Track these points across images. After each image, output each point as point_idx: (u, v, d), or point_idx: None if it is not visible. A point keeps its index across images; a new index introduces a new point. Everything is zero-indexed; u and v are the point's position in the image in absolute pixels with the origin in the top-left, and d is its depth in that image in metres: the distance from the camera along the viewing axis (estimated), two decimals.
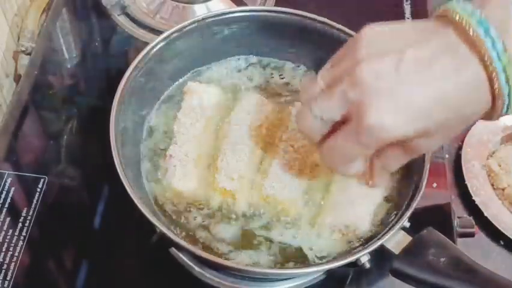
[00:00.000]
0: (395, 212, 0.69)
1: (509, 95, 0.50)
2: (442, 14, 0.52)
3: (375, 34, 0.54)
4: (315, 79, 0.58)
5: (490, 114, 0.53)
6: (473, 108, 0.52)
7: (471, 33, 0.48)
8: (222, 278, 0.76)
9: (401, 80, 0.50)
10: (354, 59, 0.53)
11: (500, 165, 1.05)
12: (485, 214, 0.99)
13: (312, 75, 0.84)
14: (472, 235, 0.85)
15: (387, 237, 0.65)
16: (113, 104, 0.72)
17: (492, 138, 1.08)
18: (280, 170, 0.74)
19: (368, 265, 0.66)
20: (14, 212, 0.80)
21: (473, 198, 1.00)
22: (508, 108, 0.51)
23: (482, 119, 0.55)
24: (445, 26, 0.51)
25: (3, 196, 0.82)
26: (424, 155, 0.71)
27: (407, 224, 0.68)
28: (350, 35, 0.80)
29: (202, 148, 0.76)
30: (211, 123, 0.79)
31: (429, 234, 0.66)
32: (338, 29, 0.81)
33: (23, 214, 0.80)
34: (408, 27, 0.56)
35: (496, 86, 0.49)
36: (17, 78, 1.02)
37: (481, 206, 0.99)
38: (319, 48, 0.84)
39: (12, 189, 0.82)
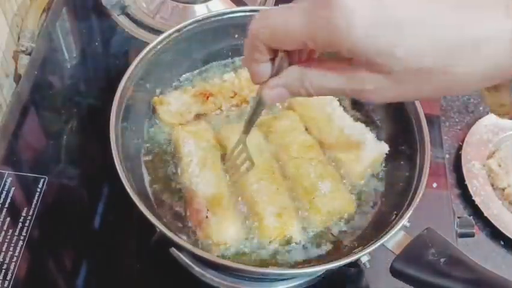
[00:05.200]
0: (395, 212, 0.69)
1: None
2: None
3: None
4: None
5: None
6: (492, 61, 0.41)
7: None
8: (222, 278, 0.76)
9: None
10: None
11: (500, 165, 1.05)
12: (485, 214, 0.99)
13: None
14: (472, 235, 0.85)
15: (387, 237, 0.65)
16: (113, 104, 0.72)
17: (492, 138, 1.08)
18: (321, 182, 0.74)
19: (368, 265, 0.66)
20: (14, 212, 0.80)
21: (473, 198, 1.01)
22: None
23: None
24: None
25: (3, 196, 0.82)
26: (424, 154, 0.71)
27: (407, 224, 0.68)
28: None
29: (221, 189, 0.74)
30: (217, 160, 0.77)
31: (429, 234, 0.66)
32: None
33: (23, 214, 0.80)
34: None
35: None
36: (17, 78, 1.02)
37: (481, 206, 1.00)
38: None
39: (12, 189, 0.82)
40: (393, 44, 0.40)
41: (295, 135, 0.78)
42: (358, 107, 0.84)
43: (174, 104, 0.80)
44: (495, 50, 0.40)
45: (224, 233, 0.70)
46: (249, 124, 0.60)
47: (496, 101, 0.47)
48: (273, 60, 0.48)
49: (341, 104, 0.82)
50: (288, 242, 0.71)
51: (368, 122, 0.82)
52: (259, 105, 0.54)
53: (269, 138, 0.79)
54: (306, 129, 0.81)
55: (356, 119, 0.82)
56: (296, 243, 0.71)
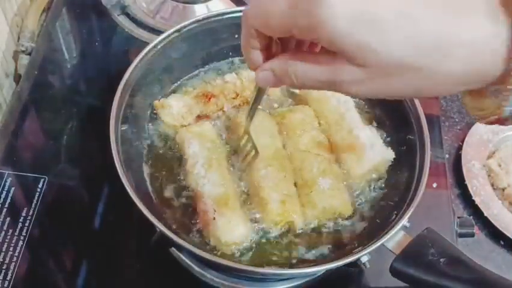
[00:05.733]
0: (395, 212, 0.69)
1: None
2: None
3: None
4: None
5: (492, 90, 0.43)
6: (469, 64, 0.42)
7: None
8: (222, 278, 0.76)
9: None
10: None
11: (500, 165, 1.05)
12: (485, 214, 0.99)
13: None
14: (472, 235, 0.85)
15: (387, 237, 0.65)
16: (113, 104, 0.72)
17: (492, 138, 1.08)
18: (322, 178, 0.74)
19: (368, 265, 0.66)
20: (14, 212, 0.80)
21: (473, 198, 1.00)
22: None
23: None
24: None
25: (3, 196, 0.82)
26: (424, 154, 0.71)
27: (407, 224, 0.68)
28: None
29: (228, 188, 0.74)
30: (222, 160, 0.77)
31: (429, 234, 0.66)
32: None
33: (23, 214, 0.80)
34: None
35: None
36: (17, 78, 1.02)
37: (481, 206, 1.00)
38: None
39: (12, 189, 0.82)
40: (369, 39, 0.41)
41: (307, 129, 0.79)
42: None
43: (175, 106, 0.80)
44: (472, 54, 0.41)
45: (232, 233, 0.70)
46: (251, 111, 0.62)
47: (476, 105, 0.47)
48: (269, 47, 0.49)
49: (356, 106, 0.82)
50: (291, 229, 0.72)
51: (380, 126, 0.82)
52: (258, 91, 0.58)
53: (281, 129, 0.80)
54: (319, 125, 0.81)
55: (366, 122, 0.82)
56: (298, 231, 0.72)
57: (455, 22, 0.41)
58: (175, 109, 0.80)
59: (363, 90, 0.45)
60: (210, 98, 0.81)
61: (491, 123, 0.46)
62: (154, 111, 0.81)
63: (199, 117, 0.81)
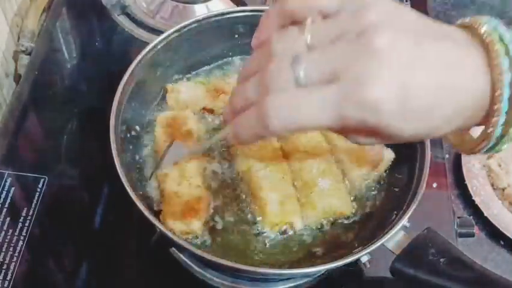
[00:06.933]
0: (395, 212, 0.69)
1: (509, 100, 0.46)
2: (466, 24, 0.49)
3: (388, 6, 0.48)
4: (294, 29, 0.47)
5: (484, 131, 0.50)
6: (464, 102, 0.47)
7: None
8: (222, 278, 0.76)
9: (417, 56, 0.45)
10: (364, 18, 0.45)
11: (500, 165, 1.05)
12: (485, 214, 0.99)
13: None
14: (472, 235, 0.85)
15: (387, 237, 0.65)
16: (113, 104, 0.72)
17: None
18: (321, 179, 0.74)
19: (368, 265, 0.66)
20: (14, 212, 0.80)
21: (473, 198, 1.00)
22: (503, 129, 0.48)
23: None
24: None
25: (3, 196, 0.82)
26: (424, 154, 0.71)
27: (407, 224, 0.68)
28: None
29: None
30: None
31: (429, 234, 0.66)
32: None
33: (23, 214, 0.80)
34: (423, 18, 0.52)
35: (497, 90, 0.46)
36: (17, 78, 1.02)
37: (481, 206, 1.00)
38: None
39: (12, 189, 0.82)
40: (404, 128, 0.45)
41: None
42: None
43: (184, 93, 0.80)
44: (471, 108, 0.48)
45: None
46: None
47: (459, 139, 0.54)
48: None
49: None
50: (289, 230, 0.72)
51: None
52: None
53: None
54: None
55: None
56: (296, 232, 0.72)
57: (455, 78, 0.46)
58: (183, 95, 0.80)
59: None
60: (219, 94, 0.81)
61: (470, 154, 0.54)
62: (154, 111, 0.81)
63: (204, 110, 0.81)
